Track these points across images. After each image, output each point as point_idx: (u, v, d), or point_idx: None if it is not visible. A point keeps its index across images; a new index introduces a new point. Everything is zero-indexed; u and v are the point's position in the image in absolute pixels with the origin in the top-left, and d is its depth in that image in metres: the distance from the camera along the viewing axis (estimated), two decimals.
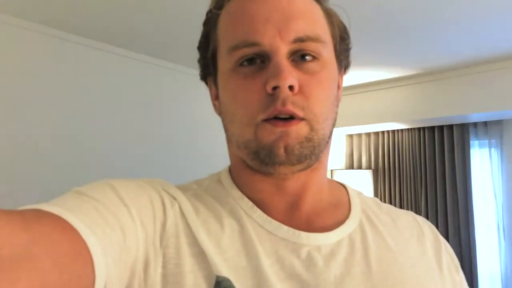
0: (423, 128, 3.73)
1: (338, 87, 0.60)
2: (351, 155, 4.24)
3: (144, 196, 0.50)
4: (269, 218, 0.53)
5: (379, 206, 0.63)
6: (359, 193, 0.65)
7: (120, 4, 1.94)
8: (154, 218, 0.49)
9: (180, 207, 0.52)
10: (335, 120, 0.56)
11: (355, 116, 3.70)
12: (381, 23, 2.25)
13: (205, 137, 2.87)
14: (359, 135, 4.19)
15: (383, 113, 3.57)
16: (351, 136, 4.25)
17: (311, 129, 0.50)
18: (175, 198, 0.53)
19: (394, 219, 0.61)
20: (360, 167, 4.11)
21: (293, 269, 0.49)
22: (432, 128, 3.69)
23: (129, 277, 0.45)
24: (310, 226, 0.54)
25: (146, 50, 2.60)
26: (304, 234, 0.52)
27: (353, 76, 3.35)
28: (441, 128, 3.64)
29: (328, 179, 0.63)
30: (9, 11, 2.01)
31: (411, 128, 3.80)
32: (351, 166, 4.19)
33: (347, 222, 0.56)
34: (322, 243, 0.52)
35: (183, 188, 0.57)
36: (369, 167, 4.06)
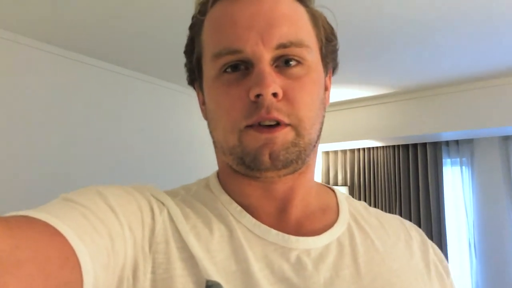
0: (398, 146, 3.81)
1: (326, 89, 0.60)
2: (327, 171, 4.29)
3: (132, 202, 0.49)
4: (258, 223, 0.53)
5: (367, 210, 0.64)
6: (348, 197, 0.65)
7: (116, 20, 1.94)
8: (142, 224, 0.48)
9: (169, 213, 0.52)
10: (322, 124, 0.56)
11: (331, 133, 3.75)
12: (357, 43, 2.31)
13: (197, 145, 2.89)
14: (335, 152, 4.25)
15: (359, 130, 3.63)
16: (327, 153, 4.31)
17: (297, 134, 0.50)
18: (163, 204, 0.53)
19: (382, 222, 0.61)
20: (336, 184, 4.16)
21: (283, 273, 0.49)
22: (406, 146, 3.78)
23: (118, 283, 0.44)
24: (299, 230, 0.54)
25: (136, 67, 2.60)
26: (293, 238, 0.52)
27: (330, 94, 3.39)
28: (415, 146, 3.73)
29: (316, 182, 0.62)
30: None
31: (386, 146, 3.88)
32: (327, 183, 4.23)
33: (335, 225, 0.56)
34: (311, 246, 0.52)
35: (171, 194, 0.56)
36: (345, 184, 4.10)
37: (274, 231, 0.52)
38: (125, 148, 2.62)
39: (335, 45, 0.60)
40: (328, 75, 0.61)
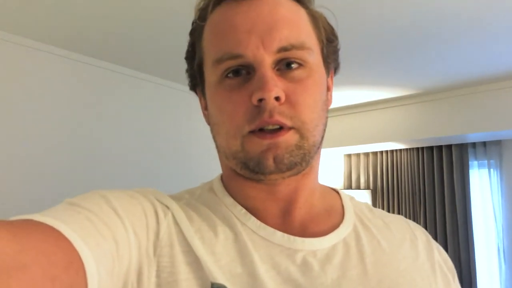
0: (422, 148, 3.72)
1: (328, 89, 0.60)
2: (350, 175, 4.22)
3: (137, 206, 0.50)
4: (263, 225, 0.53)
5: (371, 211, 0.64)
6: (352, 198, 0.65)
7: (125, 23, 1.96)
8: (147, 228, 0.49)
9: (173, 216, 0.52)
10: (325, 125, 0.56)
11: (354, 136, 3.70)
12: (381, 44, 2.27)
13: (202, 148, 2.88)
14: (358, 155, 4.18)
15: (382, 133, 3.57)
16: (349, 156, 4.24)
17: (301, 137, 0.50)
18: (168, 207, 0.53)
19: (386, 223, 0.61)
20: (358, 187, 4.09)
21: (289, 275, 0.49)
22: (430, 148, 3.69)
23: (122, 287, 0.45)
24: (304, 231, 0.54)
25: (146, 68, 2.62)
26: (298, 239, 0.52)
27: (352, 96, 3.36)
28: (439, 148, 3.63)
29: (320, 184, 0.62)
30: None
31: (409, 148, 3.80)
32: (349, 186, 4.16)
33: (341, 226, 0.56)
34: (317, 247, 0.52)
35: (176, 197, 0.57)
36: (367, 187, 4.03)
37: (279, 233, 0.53)
38: (132, 150, 2.64)
39: (336, 45, 0.60)
40: (330, 76, 0.61)
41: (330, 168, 4.15)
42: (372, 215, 0.62)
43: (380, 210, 0.65)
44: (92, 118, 2.44)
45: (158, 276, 0.46)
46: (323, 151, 3.89)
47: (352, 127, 3.70)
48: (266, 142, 0.49)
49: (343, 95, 3.34)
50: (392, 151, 3.92)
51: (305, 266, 0.50)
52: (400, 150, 3.86)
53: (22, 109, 2.14)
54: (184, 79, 0.63)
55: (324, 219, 0.58)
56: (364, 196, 3.79)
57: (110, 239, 0.43)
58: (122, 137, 2.58)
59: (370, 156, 4.08)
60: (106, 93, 2.54)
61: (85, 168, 2.35)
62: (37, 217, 0.39)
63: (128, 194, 0.51)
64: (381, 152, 4.00)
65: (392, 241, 0.58)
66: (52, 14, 1.91)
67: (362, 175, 4.11)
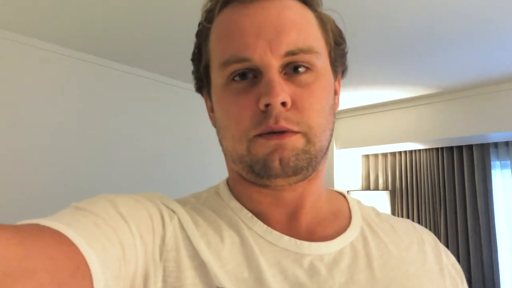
0: (442, 148, 3.65)
1: (335, 93, 0.59)
2: (368, 176, 4.17)
3: (143, 210, 0.50)
4: (269, 229, 0.53)
5: (378, 215, 0.64)
6: (359, 202, 0.65)
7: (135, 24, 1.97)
8: (153, 232, 0.49)
9: (179, 220, 0.52)
10: (332, 129, 0.56)
11: (372, 136, 3.66)
12: (399, 43, 2.24)
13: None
14: (376, 155, 4.13)
15: (401, 133, 3.52)
16: (367, 156, 4.19)
17: (308, 141, 0.50)
18: (174, 212, 0.53)
19: (394, 227, 0.61)
20: (377, 188, 4.04)
21: (297, 279, 0.49)
22: (451, 148, 3.62)
23: None
24: (311, 235, 0.54)
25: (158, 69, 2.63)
26: (305, 243, 0.52)
27: (371, 96, 3.32)
28: (460, 148, 3.56)
29: (327, 188, 0.62)
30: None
31: (429, 149, 3.73)
32: (367, 187, 4.12)
33: (348, 230, 0.56)
34: (324, 252, 0.52)
35: (182, 202, 0.57)
36: (386, 188, 3.98)
37: (286, 237, 0.53)
38: (144, 149, 2.64)
39: (344, 48, 0.60)
40: (338, 79, 0.61)
41: (348, 169, 4.11)
42: (379, 219, 0.62)
43: (387, 214, 0.65)
44: (101, 118, 2.45)
45: (164, 281, 0.46)
46: (341, 152, 3.85)
47: (370, 128, 3.66)
48: (272, 142, 0.49)
49: (361, 95, 3.31)
50: (411, 151, 3.86)
51: (312, 270, 0.50)
52: (419, 150, 3.80)
53: (27, 108, 2.14)
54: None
55: (331, 223, 0.58)
56: (383, 197, 3.74)
57: (116, 244, 0.43)
58: (133, 138, 2.59)
59: (389, 156, 4.02)
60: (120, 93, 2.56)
61: (94, 168, 2.37)
62: (43, 221, 0.39)
63: (134, 198, 0.51)
64: (400, 152, 3.94)
65: (399, 245, 0.57)
66: (57, 14, 1.93)
67: (381, 176, 4.06)
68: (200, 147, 2.89)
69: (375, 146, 3.74)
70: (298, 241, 0.52)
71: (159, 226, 0.50)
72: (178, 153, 2.81)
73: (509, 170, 3.41)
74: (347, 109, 3.70)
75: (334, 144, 3.80)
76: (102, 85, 2.47)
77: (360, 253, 0.54)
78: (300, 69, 0.51)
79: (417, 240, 0.60)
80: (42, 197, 2.09)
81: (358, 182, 4.18)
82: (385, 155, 4.07)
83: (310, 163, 0.51)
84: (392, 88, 3.11)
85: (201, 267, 0.48)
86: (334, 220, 0.58)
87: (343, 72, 0.62)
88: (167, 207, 0.53)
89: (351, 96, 3.32)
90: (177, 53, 2.35)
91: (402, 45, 2.28)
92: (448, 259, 0.61)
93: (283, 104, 0.48)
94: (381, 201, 3.71)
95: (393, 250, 0.56)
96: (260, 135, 0.49)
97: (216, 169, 2.77)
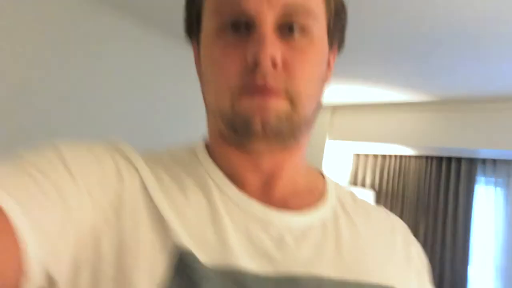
0: (431, 157, 3.72)
1: (328, 66, 0.56)
2: (356, 173, 4.23)
3: (95, 164, 0.46)
4: (241, 193, 0.52)
5: (354, 199, 0.63)
6: (337, 184, 0.64)
7: None
8: (105, 188, 0.45)
9: (140, 176, 0.49)
10: (320, 103, 0.54)
11: (366, 132, 3.70)
12: (406, 43, 2.26)
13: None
14: (367, 156, 4.18)
15: (394, 134, 3.56)
16: (358, 155, 4.25)
17: (292, 106, 0.48)
18: (135, 167, 0.50)
19: (368, 211, 0.61)
20: (363, 186, 4.10)
21: (263, 247, 0.48)
22: (440, 159, 3.68)
23: (78, 251, 0.42)
24: (283, 207, 0.53)
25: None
26: (276, 213, 0.51)
27: (370, 94, 3.35)
28: (449, 159, 3.62)
29: (307, 164, 0.61)
30: None
31: (419, 156, 3.79)
32: (354, 184, 4.18)
33: (321, 207, 0.55)
34: (294, 224, 0.51)
35: (149, 156, 0.53)
36: (372, 188, 4.04)
37: (257, 204, 0.51)
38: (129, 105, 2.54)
39: (344, 20, 0.57)
40: (333, 53, 0.58)
41: (338, 163, 4.16)
42: (354, 203, 0.61)
43: (362, 199, 0.64)
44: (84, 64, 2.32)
45: (119, 239, 0.43)
46: (333, 145, 3.90)
47: (365, 124, 3.70)
48: (256, 101, 0.47)
49: (361, 91, 3.34)
50: (401, 156, 3.92)
51: (280, 241, 0.49)
52: (409, 156, 3.86)
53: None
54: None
55: (305, 198, 0.56)
56: (367, 196, 3.80)
57: (58, 201, 0.40)
58: (119, 91, 2.50)
59: (379, 158, 4.08)
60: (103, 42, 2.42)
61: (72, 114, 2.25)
62: None
63: (89, 149, 0.48)
64: (390, 156, 4.00)
65: (370, 230, 0.57)
66: None
67: (369, 176, 4.12)
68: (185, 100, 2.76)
69: (367, 143, 3.79)
70: (268, 209, 0.51)
71: (114, 181, 0.47)
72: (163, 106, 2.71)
73: (493, 187, 3.48)
74: (345, 103, 3.74)
75: (327, 135, 3.85)
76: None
77: (330, 232, 0.53)
78: (295, 30, 0.48)
79: (389, 227, 0.60)
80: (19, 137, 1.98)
81: (346, 178, 4.24)
82: (375, 156, 4.12)
83: (292, 131, 0.49)
84: (392, 89, 3.15)
85: (160, 223, 0.45)
86: (308, 196, 0.57)
87: (339, 47, 0.59)
88: (128, 160, 0.50)
89: (349, 90, 3.36)
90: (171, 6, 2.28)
91: (410, 47, 2.30)
92: (417, 250, 0.61)
93: (273, 64, 0.46)
94: (365, 199, 3.74)
95: (363, 233, 0.55)
96: (245, 93, 0.47)
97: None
